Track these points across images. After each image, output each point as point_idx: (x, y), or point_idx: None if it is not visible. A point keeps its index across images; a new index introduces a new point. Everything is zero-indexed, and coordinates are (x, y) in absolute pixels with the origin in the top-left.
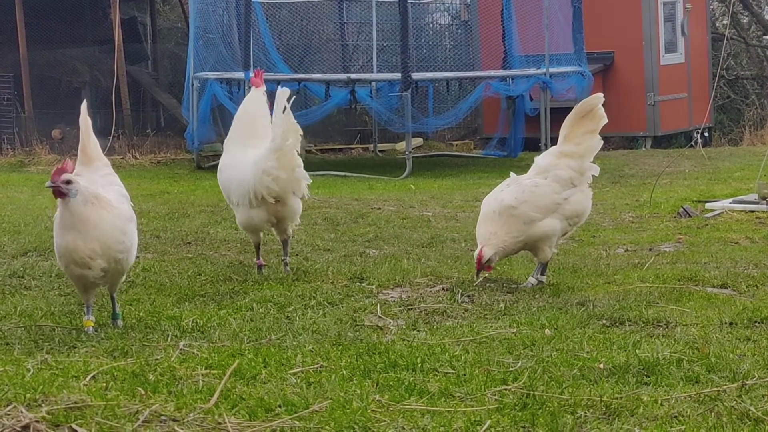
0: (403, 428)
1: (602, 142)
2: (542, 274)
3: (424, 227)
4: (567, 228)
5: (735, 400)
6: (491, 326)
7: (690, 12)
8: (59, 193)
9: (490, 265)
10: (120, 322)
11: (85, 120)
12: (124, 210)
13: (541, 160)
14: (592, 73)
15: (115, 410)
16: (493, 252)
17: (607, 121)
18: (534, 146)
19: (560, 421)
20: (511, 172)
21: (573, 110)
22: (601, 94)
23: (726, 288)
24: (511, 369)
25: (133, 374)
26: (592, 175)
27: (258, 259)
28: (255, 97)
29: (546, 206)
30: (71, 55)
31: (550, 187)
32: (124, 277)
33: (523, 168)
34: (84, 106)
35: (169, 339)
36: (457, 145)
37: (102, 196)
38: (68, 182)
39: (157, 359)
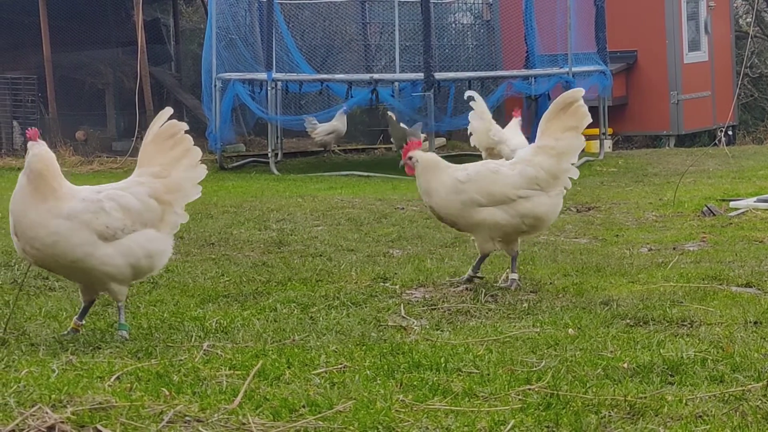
0: (427, 428)
1: (584, 143)
2: (512, 270)
3: (446, 227)
4: (520, 227)
5: (760, 399)
6: (515, 326)
7: (713, 10)
8: None
9: (411, 163)
10: (125, 334)
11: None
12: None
13: (522, 151)
14: (615, 71)
15: (139, 411)
16: (422, 152)
17: (590, 120)
18: None
19: (584, 420)
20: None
21: (552, 103)
22: (581, 89)
23: (751, 287)
24: (534, 369)
25: (157, 375)
26: (570, 179)
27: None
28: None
29: (494, 195)
30: (95, 56)
31: (510, 179)
32: (115, 287)
33: None
34: (163, 113)
35: (192, 340)
36: None
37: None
38: None
39: (181, 360)
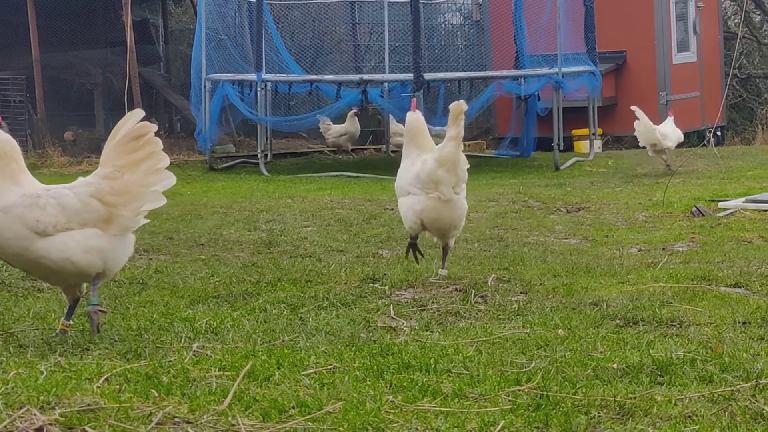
0: (417, 429)
1: (463, 160)
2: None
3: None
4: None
5: (749, 399)
6: (504, 327)
7: (702, 11)
8: None
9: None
10: (96, 308)
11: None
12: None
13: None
14: (604, 72)
15: (128, 412)
16: (413, 114)
17: (462, 135)
18: (547, 146)
19: (574, 421)
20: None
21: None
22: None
23: (739, 287)
24: (524, 369)
25: (146, 376)
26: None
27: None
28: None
29: (401, 186)
30: (84, 57)
31: (409, 174)
32: (73, 281)
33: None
34: (134, 113)
35: (182, 341)
36: (469, 145)
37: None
38: None
39: (170, 361)
